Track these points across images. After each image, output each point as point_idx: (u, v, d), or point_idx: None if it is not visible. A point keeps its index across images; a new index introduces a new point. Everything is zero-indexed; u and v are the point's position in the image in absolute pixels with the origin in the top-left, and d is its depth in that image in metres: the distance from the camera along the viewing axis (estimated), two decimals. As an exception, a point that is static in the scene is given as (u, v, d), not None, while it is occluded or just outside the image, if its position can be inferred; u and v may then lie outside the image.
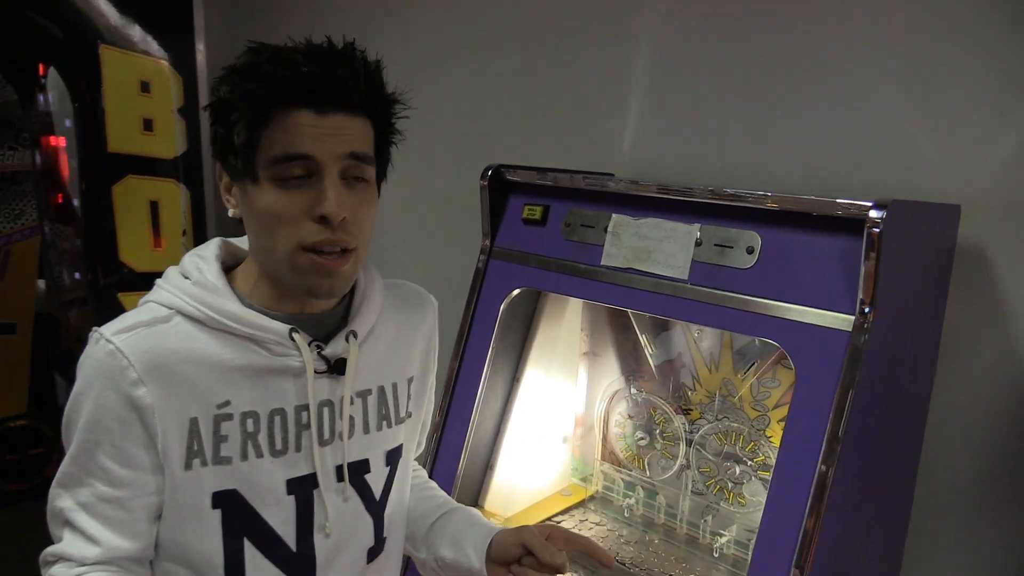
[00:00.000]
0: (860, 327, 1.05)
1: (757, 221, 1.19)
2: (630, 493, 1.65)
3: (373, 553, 1.03)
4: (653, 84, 1.74)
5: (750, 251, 1.19)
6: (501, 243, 1.53)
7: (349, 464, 0.98)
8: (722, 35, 1.61)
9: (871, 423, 1.12)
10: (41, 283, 3.46)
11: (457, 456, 1.49)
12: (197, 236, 2.63)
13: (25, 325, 3.51)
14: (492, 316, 1.50)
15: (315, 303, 0.95)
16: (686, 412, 1.55)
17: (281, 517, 0.93)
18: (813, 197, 1.11)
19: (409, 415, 1.08)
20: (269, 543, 0.92)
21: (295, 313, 0.94)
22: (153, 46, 2.45)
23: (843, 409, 1.04)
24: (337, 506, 0.97)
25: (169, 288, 0.91)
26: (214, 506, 0.89)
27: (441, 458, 1.50)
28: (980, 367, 1.36)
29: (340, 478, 0.97)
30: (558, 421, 1.70)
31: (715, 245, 1.23)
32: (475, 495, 1.55)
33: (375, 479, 1.02)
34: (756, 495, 1.45)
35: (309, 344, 0.93)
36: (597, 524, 1.62)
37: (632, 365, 1.65)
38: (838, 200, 1.08)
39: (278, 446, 0.92)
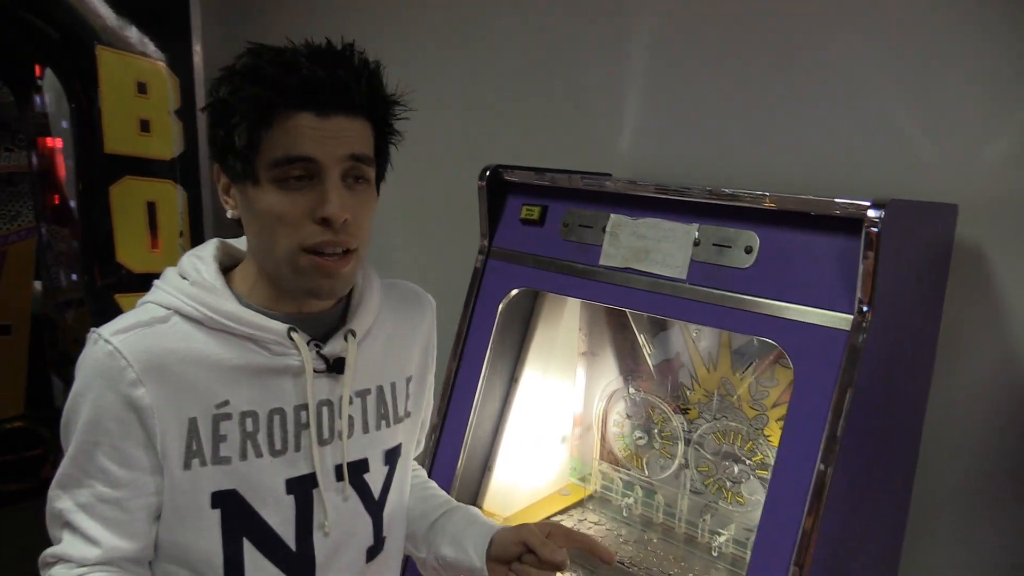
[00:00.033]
0: (858, 326, 1.06)
1: (755, 221, 1.20)
2: (628, 492, 1.65)
3: (372, 552, 1.03)
4: (651, 84, 1.74)
5: (748, 251, 1.19)
6: (499, 243, 1.53)
7: (348, 464, 0.98)
8: (720, 35, 1.62)
9: (869, 422, 1.12)
10: (38, 284, 3.45)
11: (456, 456, 1.49)
12: (194, 237, 2.62)
13: (22, 326, 3.51)
14: (490, 316, 1.50)
15: (314, 303, 0.95)
16: (684, 411, 1.55)
17: (280, 517, 0.93)
18: (811, 197, 1.12)
19: (408, 414, 1.08)
20: (268, 543, 0.92)
21: (293, 313, 0.94)
22: (150, 47, 2.45)
23: (841, 408, 1.04)
24: (337, 505, 0.97)
25: (167, 288, 0.91)
26: (213, 506, 0.89)
27: (440, 458, 1.50)
28: (978, 366, 1.36)
29: (339, 477, 0.98)
30: (556, 421, 1.70)
31: (713, 245, 1.23)
32: (474, 495, 1.55)
33: (374, 478, 1.02)
34: (754, 494, 1.45)
35: (308, 343, 0.93)
36: (596, 523, 1.62)
37: (630, 365, 1.65)
38: (836, 200, 1.08)
39: (277, 446, 0.92)
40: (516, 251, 1.50)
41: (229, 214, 0.93)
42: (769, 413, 1.41)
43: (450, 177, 2.15)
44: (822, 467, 1.04)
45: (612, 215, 1.36)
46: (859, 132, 1.45)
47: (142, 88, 2.43)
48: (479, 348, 1.51)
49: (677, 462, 1.57)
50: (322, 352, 0.94)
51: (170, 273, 0.94)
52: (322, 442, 0.96)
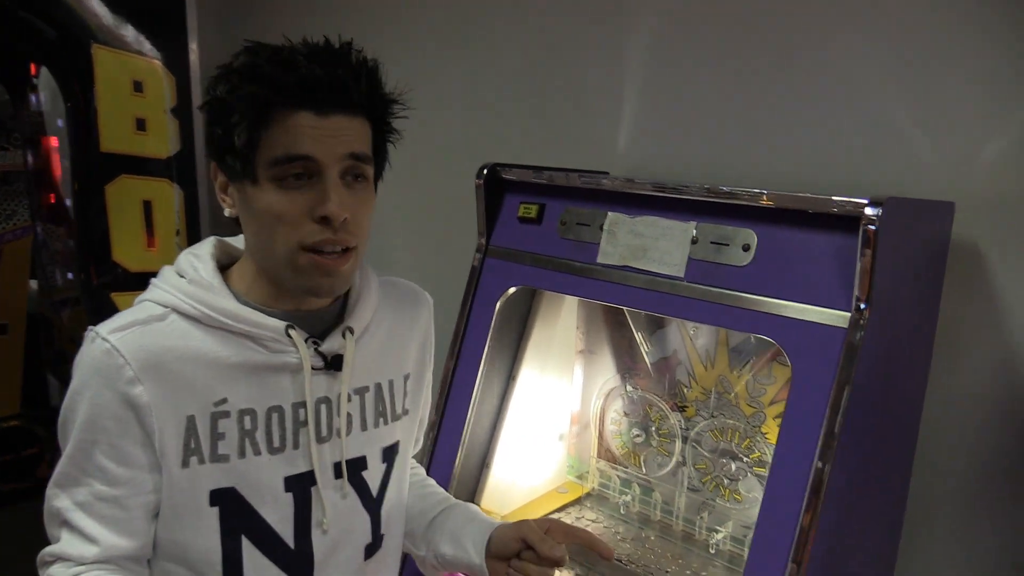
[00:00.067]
0: (856, 324, 1.06)
1: (753, 219, 1.20)
2: (626, 490, 1.65)
3: (371, 550, 1.03)
4: (648, 83, 1.74)
5: (746, 248, 1.19)
6: (497, 241, 1.53)
7: (347, 461, 0.98)
8: (718, 34, 1.62)
9: (867, 420, 1.12)
10: (33, 283, 3.45)
11: (454, 454, 1.49)
12: (191, 236, 2.62)
13: (17, 325, 3.50)
14: (488, 314, 1.50)
15: (312, 300, 0.95)
16: (682, 409, 1.55)
17: (279, 515, 0.93)
18: (809, 195, 1.12)
19: (406, 412, 1.09)
20: (267, 541, 0.92)
21: (291, 310, 0.94)
22: (146, 46, 2.44)
23: (839, 406, 1.04)
24: (335, 503, 0.97)
25: (164, 287, 0.91)
26: (212, 504, 0.89)
27: (437, 456, 1.50)
28: (974, 364, 1.37)
29: (338, 475, 0.98)
30: (554, 419, 1.70)
31: (711, 243, 1.23)
32: (471, 493, 1.55)
33: (372, 476, 1.03)
34: (752, 491, 1.45)
35: (306, 341, 0.93)
36: (593, 521, 1.62)
37: (628, 363, 1.65)
38: (834, 198, 1.08)
39: (276, 443, 0.92)
40: (514, 249, 1.50)
41: (227, 212, 0.93)
42: (766, 411, 1.42)
43: (448, 176, 2.15)
44: (820, 464, 1.05)
45: (610, 213, 1.36)
46: (856, 130, 1.45)
47: (138, 87, 2.42)
48: (477, 346, 1.51)
49: (675, 460, 1.57)
50: (320, 349, 0.94)
51: (167, 271, 0.94)
52: (320, 440, 0.96)
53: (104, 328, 0.86)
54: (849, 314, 1.07)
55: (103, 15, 2.33)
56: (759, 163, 1.58)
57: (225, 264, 0.97)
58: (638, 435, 1.63)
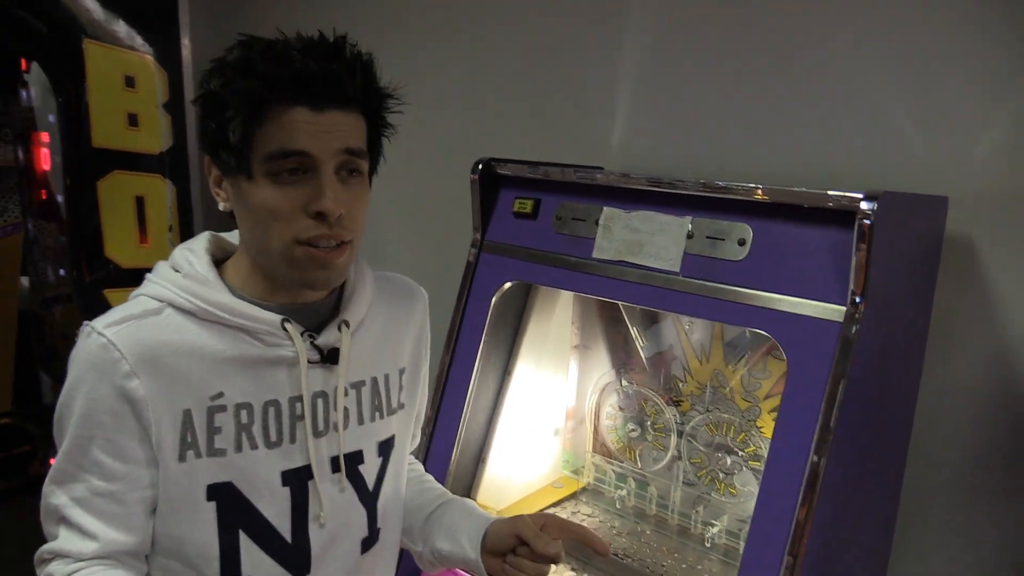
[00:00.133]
0: (851, 318, 1.06)
1: (748, 213, 1.20)
2: (621, 484, 1.65)
3: (367, 544, 1.03)
4: (642, 78, 1.74)
5: (741, 243, 1.19)
6: (492, 237, 1.53)
7: (344, 455, 0.98)
8: (713, 29, 1.62)
9: (862, 413, 1.13)
10: (25, 280, 3.43)
11: (449, 449, 1.49)
12: (183, 232, 2.61)
13: (9, 323, 3.48)
14: (483, 310, 1.50)
15: (307, 294, 0.95)
16: (677, 404, 1.56)
17: (276, 509, 0.93)
18: (804, 189, 1.12)
19: (401, 406, 1.08)
20: (264, 535, 0.92)
21: (287, 304, 0.94)
22: (138, 41, 2.43)
23: (835, 399, 1.05)
24: (332, 497, 0.97)
25: (159, 281, 0.91)
26: (209, 498, 0.89)
27: (433, 451, 1.50)
28: (968, 357, 1.38)
29: (334, 469, 0.97)
30: (549, 414, 1.71)
31: (707, 237, 1.23)
32: (467, 488, 1.56)
33: (368, 470, 1.03)
34: (747, 485, 1.46)
35: (302, 334, 0.93)
36: (589, 516, 1.63)
37: (623, 358, 1.66)
38: (829, 192, 1.08)
39: (272, 438, 0.92)
40: (509, 244, 1.50)
41: (221, 206, 0.92)
42: (761, 405, 1.42)
43: (443, 171, 2.14)
44: (815, 458, 1.05)
45: (605, 208, 1.36)
46: (851, 126, 1.45)
47: (130, 82, 2.41)
48: (472, 341, 1.51)
49: (670, 454, 1.57)
50: (316, 343, 0.94)
51: (162, 266, 0.94)
52: (317, 434, 0.96)
53: (100, 323, 0.86)
54: (844, 308, 1.07)
55: (94, 10, 2.31)
56: (754, 158, 1.59)
57: (220, 259, 0.97)
58: (633, 430, 1.64)
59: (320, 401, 0.96)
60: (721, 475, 1.49)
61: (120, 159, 2.41)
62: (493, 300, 1.49)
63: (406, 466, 1.13)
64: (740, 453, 1.46)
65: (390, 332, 1.06)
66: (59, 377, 0.86)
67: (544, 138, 1.94)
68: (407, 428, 1.11)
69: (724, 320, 1.27)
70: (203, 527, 0.89)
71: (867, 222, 1.02)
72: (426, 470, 1.27)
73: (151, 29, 2.46)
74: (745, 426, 1.45)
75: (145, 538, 0.89)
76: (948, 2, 1.34)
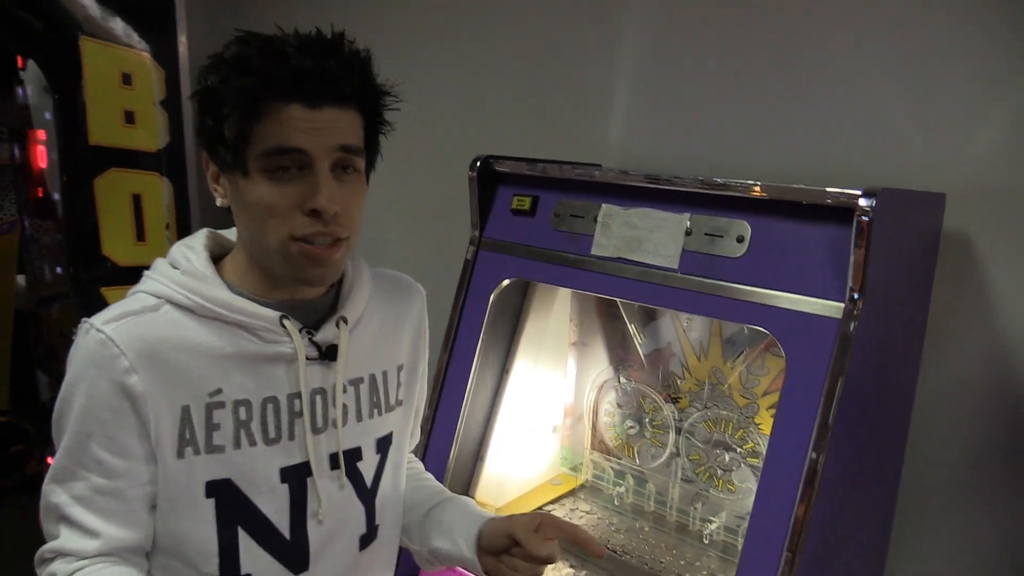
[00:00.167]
0: (850, 314, 1.06)
1: (747, 210, 1.20)
2: (620, 481, 1.65)
3: (366, 540, 1.03)
4: (641, 76, 1.74)
5: (740, 240, 1.19)
6: (490, 234, 1.53)
7: (343, 452, 0.98)
8: (711, 26, 1.62)
9: (860, 410, 1.13)
10: (21, 279, 3.42)
11: (448, 447, 1.49)
12: (181, 229, 2.60)
13: (5, 321, 3.47)
14: (482, 307, 1.50)
15: (305, 291, 0.95)
16: (675, 400, 1.56)
17: (275, 506, 0.92)
18: (803, 186, 1.12)
19: (399, 403, 1.08)
20: (263, 532, 0.92)
21: (285, 301, 0.94)
22: (134, 38, 2.42)
23: (833, 396, 1.05)
24: (331, 494, 0.97)
25: (158, 278, 0.91)
26: (208, 495, 0.88)
27: (432, 449, 1.50)
28: (965, 354, 1.38)
29: (333, 466, 0.97)
30: (547, 411, 1.71)
31: (705, 234, 1.23)
32: (466, 485, 1.56)
33: (366, 467, 1.02)
34: (745, 482, 1.46)
35: (300, 331, 0.93)
36: (587, 513, 1.63)
37: (621, 355, 1.66)
38: (828, 189, 1.08)
39: (271, 434, 0.92)
40: (507, 242, 1.50)
41: (218, 202, 0.92)
42: (760, 401, 1.42)
43: (441, 169, 2.14)
44: (814, 455, 1.05)
45: (604, 205, 1.36)
46: (849, 123, 1.46)
47: (127, 79, 2.40)
48: (470, 339, 1.51)
49: (668, 451, 1.57)
50: (314, 339, 0.94)
51: (160, 263, 0.94)
52: (316, 431, 0.95)
53: (98, 319, 0.86)
54: (843, 305, 1.08)
55: (90, 7, 2.31)
56: (753, 156, 1.59)
57: (218, 255, 0.97)
58: (632, 427, 1.64)
59: (319, 398, 0.96)
60: (719, 472, 1.50)
61: (117, 157, 2.40)
62: (491, 297, 1.49)
63: (405, 463, 1.13)
64: (738, 450, 1.46)
65: (388, 329, 1.06)
66: (56, 375, 0.86)
67: (543, 136, 1.93)
68: (405, 425, 1.11)
69: (722, 317, 1.28)
70: (202, 524, 0.89)
71: (865, 219, 1.02)
72: (425, 467, 1.27)
73: (148, 26, 2.46)
74: (743, 423, 1.45)
75: (147, 534, 0.89)
76: (947, 1, 1.34)
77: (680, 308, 1.30)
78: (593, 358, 1.71)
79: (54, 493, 0.86)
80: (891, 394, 1.31)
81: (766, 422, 1.41)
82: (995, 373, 1.35)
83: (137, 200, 2.47)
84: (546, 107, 1.92)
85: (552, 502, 1.66)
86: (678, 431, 1.55)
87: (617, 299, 1.54)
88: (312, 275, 0.89)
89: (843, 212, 1.06)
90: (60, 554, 0.86)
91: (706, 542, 1.48)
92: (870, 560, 1.39)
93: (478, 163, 1.50)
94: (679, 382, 1.55)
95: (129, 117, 2.41)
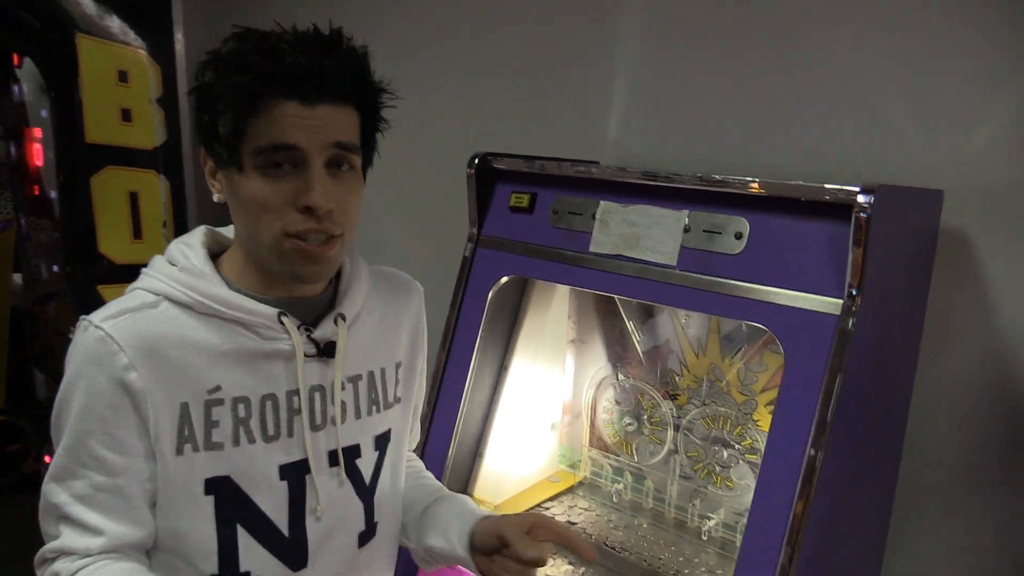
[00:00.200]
0: (848, 310, 1.06)
1: (745, 207, 1.20)
2: (618, 478, 1.66)
3: (365, 538, 1.03)
4: (639, 73, 1.74)
5: (738, 237, 1.19)
6: (488, 231, 1.53)
7: (342, 449, 0.98)
8: (710, 25, 1.62)
9: (859, 407, 1.13)
10: (17, 277, 3.41)
11: (446, 444, 1.49)
12: (177, 227, 2.60)
13: (2, 320, 3.46)
14: (480, 304, 1.50)
15: (302, 288, 0.95)
16: (673, 397, 1.56)
17: (274, 503, 0.92)
18: (801, 183, 1.12)
19: (398, 400, 1.08)
20: (262, 529, 0.92)
21: (283, 298, 0.94)
22: (131, 35, 2.41)
23: (832, 393, 1.05)
24: (330, 491, 0.97)
25: (156, 275, 0.91)
26: (207, 492, 0.88)
27: (430, 446, 1.50)
28: (963, 351, 1.38)
29: (332, 463, 0.97)
30: (546, 408, 1.71)
31: (703, 231, 1.23)
32: (464, 483, 1.56)
33: (365, 464, 1.02)
34: (744, 478, 1.46)
35: (298, 327, 0.93)
36: (586, 510, 1.63)
37: (619, 352, 1.66)
38: (826, 185, 1.08)
39: (270, 431, 0.92)
40: (505, 239, 1.50)
41: (215, 198, 0.92)
42: (758, 398, 1.42)
43: (439, 166, 2.14)
44: (812, 452, 1.05)
45: (602, 202, 1.36)
46: (847, 121, 1.46)
47: (123, 76, 2.40)
48: (469, 336, 1.50)
49: (666, 448, 1.57)
50: (312, 336, 0.94)
51: (158, 260, 0.94)
52: (314, 428, 0.95)
53: (97, 316, 0.86)
54: (841, 301, 1.08)
55: (86, 4, 2.30)
56: (751, 154, 1.59)
57: (216, 253, 0.97)
58: (630, 424, 1.64)
59: (317, 395, 0.96)
60: (718, 468, 1.50)
61: (113, 154, 2.40)
62: (490, 295, 1.49)
63: (404, 461, 1.13)
64: (736, 446, 1.47)
65: (386, 326, 1.06)
66: (53, 374, 0.86)
67: (541, 134, 1.93)
68: (404, 422, 1.11)
69: (721, 314, 1.28)
70: (201, 521, 0.89)
71: (864, 215, 1.02)
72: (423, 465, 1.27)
73: (144, 23, 2.45)
74: (741, 419, 1.45)
75: (150, 531, 0.88)
76: (944, -1, 1.34)
77: (678, 305, 1.30)
78: (591, 355, 1.71)
79: (54, 492, 0.86)
80: (889, 391, 1.31)
81: (764, 419, 1.41)
82: (992, 370, 1.35)
83: (134, 198, 2.46)
84: (545, 105, 1.92)
85: (550, 499, 1.66)
86: (676, 428, 1.55)
87: (615, 296, 1.54)
88: (305, 272, 0.89)
89: (841, 209, 1.06)
90: (63, 553, 0.85)
91: (704, 539, 1.48)
92: (868, 557, 1.39)
93: (476, 160, 1.50)
94: (677, 379, 1.55)
95: (126, 115, 2.41)
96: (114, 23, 2.36)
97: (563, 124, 1.89)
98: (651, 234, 1.28)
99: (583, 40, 1.82)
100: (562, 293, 1.64)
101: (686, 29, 1.65)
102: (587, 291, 1.54)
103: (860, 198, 1.02)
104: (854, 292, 1.06)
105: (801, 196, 1.12)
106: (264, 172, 0.84)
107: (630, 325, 1.60)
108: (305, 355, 0.93)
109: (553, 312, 1.64)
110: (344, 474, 0.98)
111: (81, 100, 2.30)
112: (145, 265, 0.95)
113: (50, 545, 0.86)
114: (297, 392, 0.93)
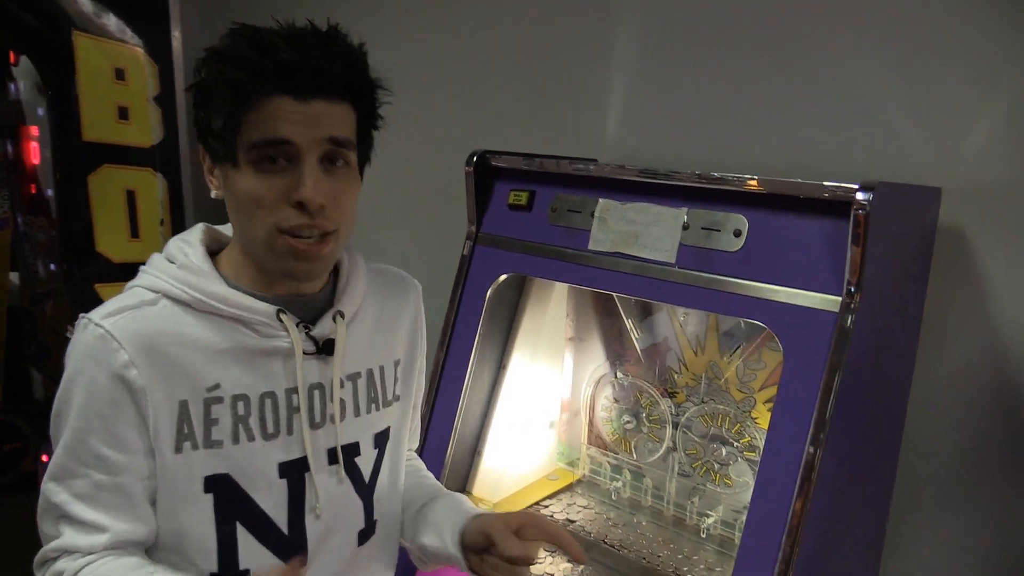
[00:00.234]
0: (847, 308, 1.06)
1: (744, 204, 1.20)
2: (617, 476, 1.66)
3: (364, 536, 1.03)
4: (637, 70, 1.74)
5: (737, 234, 1.19)
6: (487, 229, 1.53)
7: (341, 447, 0.98)
8: (707, 20, 1.62)
9: (857, 404, 1.13)
10: (14, 276, 3.40)
11: (445, 443, 1.49)
12: (175, 225, 2.59)
13: (-1, 319, 3.45)
14: (478, 302, 1.50)
15: (300, 285, 0.95)
16: (672, 395, 1.56)
17: (273, 501, 0.92)
18: (800, 180, 1.12)
19: (397, 398, 1.08)
20: (261, 527, 0.92)
21: (281, 295, 0.94)
22: (128, 33, 2.41)
23: (831, 390, 1.05)
24: (329, 489, 0.97)
25: (154, 272, 0.91)
26: (206, 490, 0.88)
27: (429, 445, 1.50)
28: (961, 348, 1.38)
29: (331, 461, 0.97)
30: (544, 406, 1.71)
31: (702, 228, 1.23)
32: (463, 481, 1.56)
33: (364, 462, 1.02)
34: (742, 476, 1.46)
35: (297, 325, 0.92)
36: (584, 507, 1.63)
37: (618, 350, 1.66)
38: (825, 183, 1.08)
39: (270, 429, 0.92)
40: (504, 237, 1.49)
41: (213, 194, 0.92)
42: (757, 396, 1.43)
43: (438, 164, 2.14)
44: (811, 449, 1.05)
45: (601, 200, 1.36)
46: (845, 118, 1.46)
47: (120, 75, 2.39)
48: (467, 334, 1.50)
49: (665, 445, 1.58)
50: (311, 334, 0.94)
51: (157, 258, 0.94)
52: (314, 425, 0.95)
53: (96, 314, 0.85)
54: (840, 298, 1.08)
55: (83, 2, 2.29)
56: (749, 152, 1.59)
57: (214, 250, 0.96)
58: (628, 421, 1.64)
59: (316, 393, 0.95)
60: (716, 466, 1.50)
61: (111, 153, 2.39)
62: (488, 293, 1.49)
63: (404, 459, 1.13)
64: (735, 444, 1.47)
65: (384, 324, 1.06)
66: (50, 373, 0.86)
67: (540, 132, 1.93)
68: (403, 420, 1.11)
69: (720, 311, 1.28)
70: (200, 519, 0.88)
71: (862, 213, 1.02)
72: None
73: (141, 21, 2.44)
74: (740, 417, 1.45)
75: (152, 528, 0.88)
76: (942, -4, 1.34)
77: (677, 302, 1.30)
78: (590, 353, 1.71)
79: (54, 492, 0.85)
80: (887, 388, 1.31)
81: (763, 416, 1.41)
82: (990, 368, 1.36)
83: (131, 196, 2.45)
84: (543, 103, 1.92)
85: (549, 497, 1.67)
86: (675, 426, 1.55)
87: (614, 294, 1.54)
88: (298, 270, 0.89)
89: (840, 206, 1.06)
90: (65, 551, 0.85)
91: (703, 536, 1.48)
92: (866, 555, 1.39)
93: (474, 158, 1.50)
94: (676, 377, 1.55)
95: (123, 113, 2.40)
96: (111, 21, 2.35)
97: (562, 122, 1.89)
98: (650, 232, 1.28)
99: (582, 38, 1.81)
100: (561, 291, 1.64)
101: (685, 27, 1.65)
102: (586, 289, 1.54)
103: (859, 195, 1.02)
104: (853, 289, 1.06)
105: (800, 193, 1.13)
106: (258, 167, 0.84)
107: (629, 323, 1.60)
108: (304, 353, 0.93)
109: (552, 310, 1.64)
110: (343, 472, 0.98)
111: (78, 98, 2.29)
112: (143, 263, 0.94)
113: (51, 544, 0.86)
114: (296, 390, 0.93)
